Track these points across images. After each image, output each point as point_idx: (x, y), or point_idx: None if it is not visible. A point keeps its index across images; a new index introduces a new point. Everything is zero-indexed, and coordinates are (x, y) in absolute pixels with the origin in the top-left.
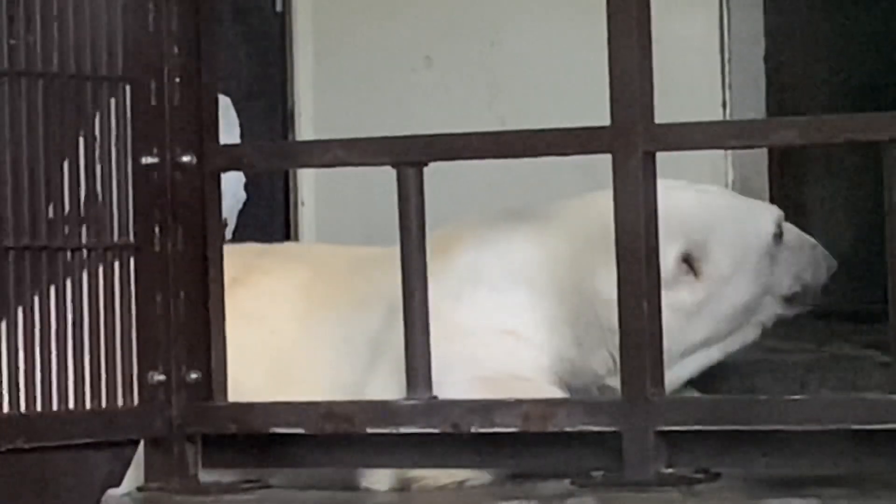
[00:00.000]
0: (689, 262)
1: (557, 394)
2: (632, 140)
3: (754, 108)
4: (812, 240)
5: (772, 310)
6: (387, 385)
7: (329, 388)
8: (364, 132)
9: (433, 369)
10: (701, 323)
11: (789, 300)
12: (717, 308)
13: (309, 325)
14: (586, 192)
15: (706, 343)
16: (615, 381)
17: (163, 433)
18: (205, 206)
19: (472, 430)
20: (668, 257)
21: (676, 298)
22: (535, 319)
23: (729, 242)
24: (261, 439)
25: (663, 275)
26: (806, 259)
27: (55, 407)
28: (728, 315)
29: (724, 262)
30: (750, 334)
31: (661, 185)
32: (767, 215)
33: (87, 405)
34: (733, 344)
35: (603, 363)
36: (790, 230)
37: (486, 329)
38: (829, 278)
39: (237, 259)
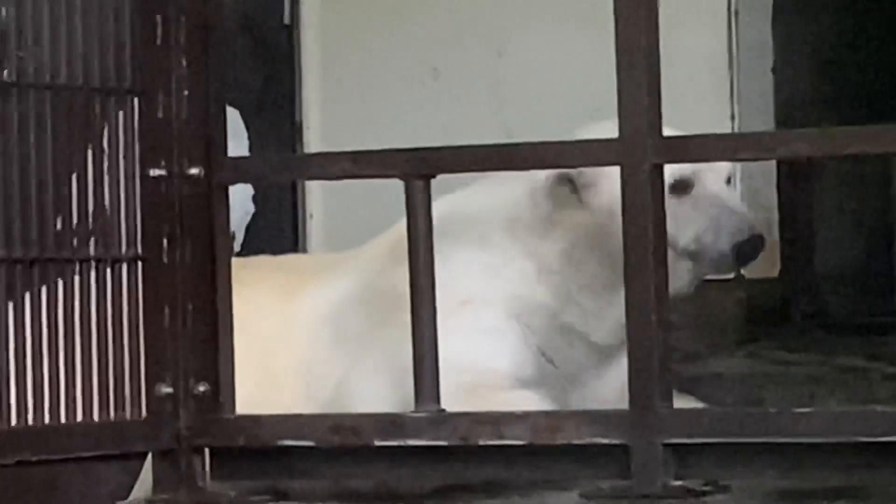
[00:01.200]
0: (574, 184)
1: (517, 387)
2: (640, 152)
3: (763, 120)
4: (732, 206)
5: (674, 263)
6: (372, 380)
7: (311, 385)
8: (372, 144)
9: (403, 360)
10: (594, 253)
11: (693, 258)
12: (605, 241)
13: (290, 326)
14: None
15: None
16: (569, 316)
17: (171, 445)
18: (213, 219)
19: (481, 442)
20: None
21: (569, 218)
22: (485, 277)
23: (617, 179)
24: (269, 452)
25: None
26: (708, 220)
27: (63, 419)
28: (617, 253)
29: (607, 195)
30: None
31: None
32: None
33: (95, 418)
34: None
35: (549, 291)
36: (709, 188)
37: (445, 306)
38: (741, 249)
39: None
